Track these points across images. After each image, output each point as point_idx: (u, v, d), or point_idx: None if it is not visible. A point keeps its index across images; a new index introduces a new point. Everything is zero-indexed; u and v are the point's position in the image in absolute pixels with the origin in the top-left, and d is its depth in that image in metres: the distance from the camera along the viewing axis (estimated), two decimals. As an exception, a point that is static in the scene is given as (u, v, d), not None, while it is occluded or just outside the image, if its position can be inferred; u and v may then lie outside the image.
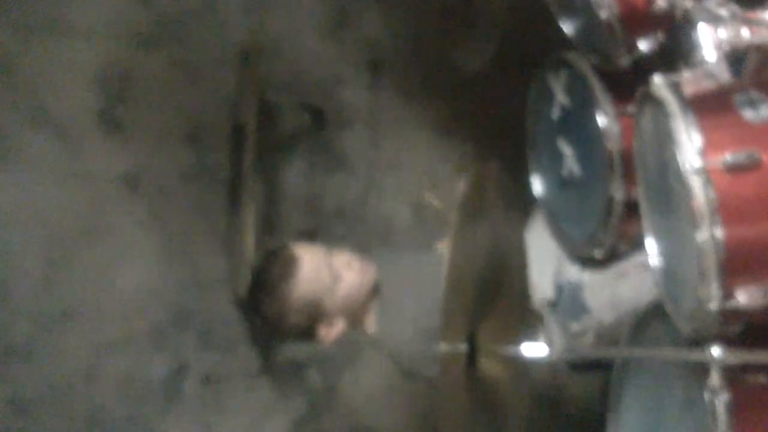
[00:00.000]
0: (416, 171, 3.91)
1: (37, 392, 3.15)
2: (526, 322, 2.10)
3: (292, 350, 3.59)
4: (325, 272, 2.68)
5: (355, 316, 2.75)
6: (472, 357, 1.80)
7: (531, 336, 2.13)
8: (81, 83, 3.23)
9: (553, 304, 2.74)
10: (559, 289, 2.76)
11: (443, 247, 1.72)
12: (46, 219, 3.17)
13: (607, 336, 2.71)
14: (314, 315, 2.68)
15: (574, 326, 2.71)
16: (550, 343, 1.68)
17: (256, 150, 3.14)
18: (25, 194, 3.14)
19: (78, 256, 3.21)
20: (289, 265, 2.70)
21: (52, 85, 3.19)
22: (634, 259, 2.65)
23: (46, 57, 3.18)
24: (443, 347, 1.67)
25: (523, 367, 1.86)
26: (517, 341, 1.82)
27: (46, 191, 3.18)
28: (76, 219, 3.23)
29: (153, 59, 3.36)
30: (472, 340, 1.81)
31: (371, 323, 2.77)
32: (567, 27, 2.48)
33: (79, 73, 3.23)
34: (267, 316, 2.76)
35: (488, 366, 1.87)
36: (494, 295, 1.97)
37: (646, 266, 2.20)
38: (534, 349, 1.71)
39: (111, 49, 3.28)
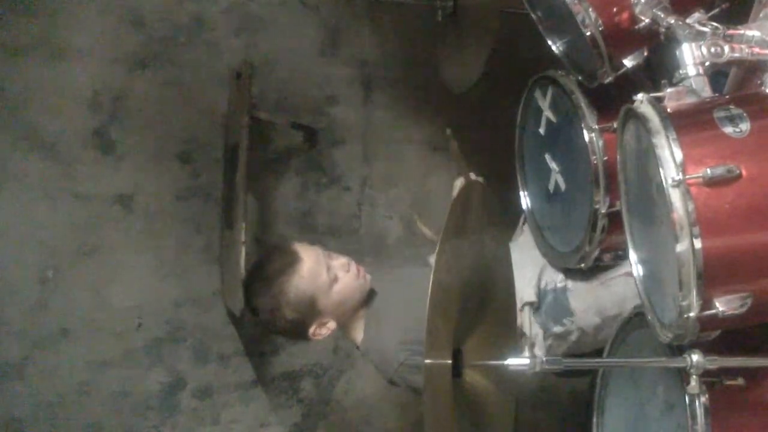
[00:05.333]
0: (408, 186, 3.93)
1: (32, 410, 3.16)
2: (512, 333, 2.12)
3: (286, 362, 3.61)
4: (323, 272, 2.67)
5: (346, 319, 2.75)
6: (457, 368, 1.81)
7: (515, 347, 2.14)
8: (73, 104, 3.25)
9: (536, 308, 2.76)
10: (543, 293, 2.78)
11: (432, 260, 1.73)
12: (40, 239, 3.19)
13: (589, 338, 2.74)
14: (308, 313, 2.66)
15: (557, 329, 2.74)
16: (532, 352, 1.70)
17: (249, 168, 3.13)
18: (18, 214, 3.15)
19: (72, 275, 3.22)
20: (290, 259, 2.67)
21: (45, 106, 3.20)
22: (618, 269, 2.68)
23: (37, 78, 3.19)
24: (428, 359, 1.68)
25: (509, 376, 1.87)
26: (503, 353, 1.83)
27: (40, 211, 3.19)
28: (70, 238, 3.24)
29: (146, 80, 3.38)
30: (457, 353, 1.83)
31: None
32: (554, 45, 2.51)
33: (71, 93, 3.25)
34: (260, 309, 2.71)
35: (474, 377, 1.88)
36: (480, 308, 1.99)
37: (629, 276, 2.22)
38: (518, 362, 1.73)
39: (103, 70, 3.30)
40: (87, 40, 3.30)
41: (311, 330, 2.70)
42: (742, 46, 1.98)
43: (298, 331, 2.72)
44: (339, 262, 2.73)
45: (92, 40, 3.31)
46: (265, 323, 2.77)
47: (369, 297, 2.77)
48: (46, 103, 3.22)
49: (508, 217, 2.95)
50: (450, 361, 1.78)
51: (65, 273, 3.23)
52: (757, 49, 1.96)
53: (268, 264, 2.71)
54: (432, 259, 1.78)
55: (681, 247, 1.71)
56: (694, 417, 1.88)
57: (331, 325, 2.71)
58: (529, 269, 2.81)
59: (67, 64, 3.25)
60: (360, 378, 3.72)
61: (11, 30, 3.16)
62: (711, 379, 1.90)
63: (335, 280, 2.68)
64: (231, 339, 3.50)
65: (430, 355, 1.69)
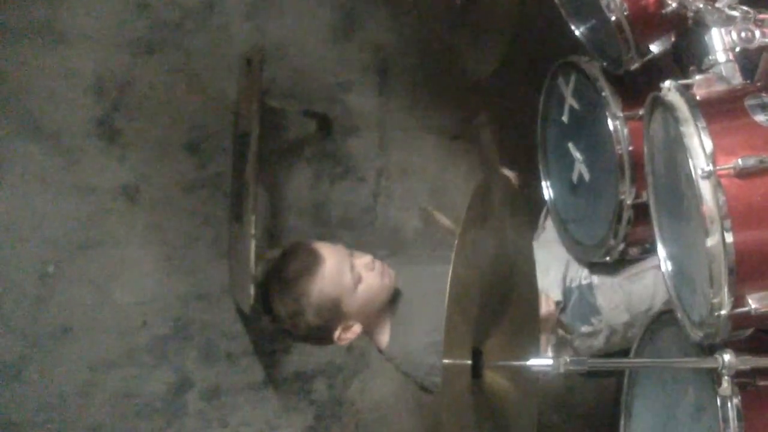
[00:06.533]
0: (425, 177, 3.93)
1: (30, 413, 3.16)
2: (534, 332, 2.11)
3: (297, 361, 3.62)
4: (347, 272, 2.62)
5: (371, 321, 2.71)
6: (477, 369, 1.81)
7: (538, 347, 2.14)
8: (76, 91, 3.24)
9: (561, 308, 2.75)
10: (569, 291, 2.77)
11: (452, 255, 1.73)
12: (41, 232, 3.18)
13: (618, 337, 2.73)
14: (332, 317, 2.62)
15: (584, 328, 2.73)
16: (557, 352, 1.70)
17: (260, 158, 3.12)
18: (17, 206, 3.15)
19: (74, 269, 3.22)
20: (311, 260, 2.62)
21: (46, 93, 3.19)
22: (646, 263, 2.68)
23: (38, 64, 3.19)
24: (447, 360, 1.68)
25: (532, 377, 1.87)
26: (525, 353, 1.84)
27: (41, 203, 3.18)
28: (73, 232, 3.24)
29: (152, 66, 3.37)
30: (477, 353, 1.83)
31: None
32: (577, 30, 2.51)
33: (74, 81, 3.24)
34: (280, 315, 2.67)
35: (495, 377, 1.89)
36: (502, 304, 1.99)
37: (658, 269, 2.22)
38: (541, 362, 1.73)
39: (108, 56, 3.29)
40: (91, 24, 3.29)
41: (336, 334, 2.66)
42: (774, 30, 1.98)
43: (321, 336, 2.69)
44: (363, 260, 2.68)
45: (96, 24, 3.30)
46: (287, 329, 2.73)
47: (394, 296, 2.74)
48: (48, 90, 3.21)
49: (530, 209, 2.94)
50: (469, 362, 1.78)
51: (67, 268, 3.23)
52: (789, 35, 1.96)
53: (287, 265, 2.66)
54: (453, 253, 1.78)
55: (711, 241, 1.72)
56: (726, 420, 1.89)
57: (357, 328, 2.67)
58: (554, 267, 2.80)
59: (69, 49, 3.25)
60: (375, 378, 3.72)
61: (11, 13, 3.15)
62: (744, 380, 1.90)
63: (359, 280, 2.64)
64: (240, 337, 3.50)
65: (448, 355, 1.69)
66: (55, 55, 3.22)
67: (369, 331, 2.75)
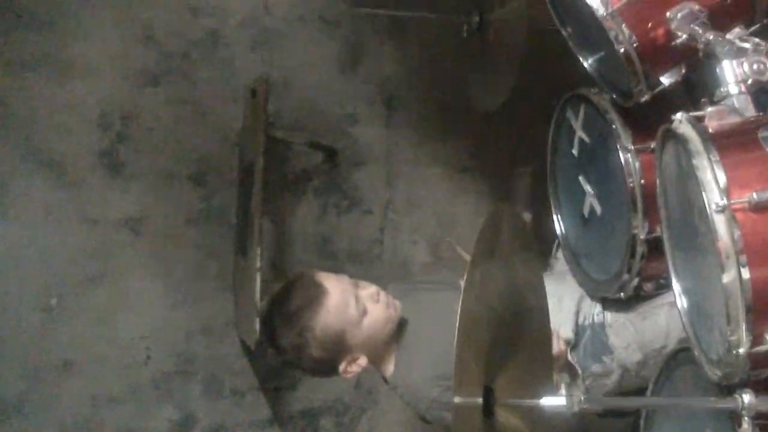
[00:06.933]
0: (433, 210, 3.91)
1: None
2: (547, 369, 2.08)
3: (304, 398, 3.59)
4: (352, 304, 2.58)
5: (377, 353, 2.68)
6: (488, 407, 1.78)
7: (551, 384, 2.11)
8: (81, 123, 3.26)
9: (573, 347, 2.72)
10: (581, 329, 2.74)
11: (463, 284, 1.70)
12: (44, 265, 3.18)
13: (631, 377, 2.69)
14: (337, 349, 2.58)
15: (596, 367, 2.69)
16: (570, 391, 1.67)
17: (265, 190, 3.11)
18: (21, 239, 3.15)
19: (77, 303, 3.22)
20: (314, 293, 2.58)
21: (51, 125, 3.21)
22: (660, 299, 2.65)
23: (44, 95, 3.20)
24: (457, 397, 1.65)
25: (545, 417, 1.84)
26: (537, 391, 1.80)
27: (45, 235, 3.19)
28: (76, 264, 3.24)
29: (157, 98, 3.38)
30: (488, 390, 1.80)
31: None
32: (585, 62, 2.49)
33: (79, 112, 3.25)
34: (284, 348, 2.62)
35: (506, 416, 1.85)
36: (512, 341, 1.96)
37: (672, 306, 2.19)
38: (554, 401, 1.70)
39: (113, 87, 3.31)
40: (96, 56, 3.31)
41: (341, 367, 2.62)
42: (787, 62, 1.96)
43: (326, 369, 2.65)
44: (367, 291, 2.65)
45: (102, 56, 3.32)
46: (291, 362, 2.70)
47: (400, 325, 2.70)
48: (53, 122, 3.23)
49: (541, 243, 2.92)
50: (481, 400, 1.75)
51: (70, 301, 3.23)
52: (802, 66, 1.94)
53: (291, 297, 2.62)
54: (462, 283, 1.75)
55: (727, 277, 1.68)
56: (746, 462, 1.84)
57: (362, 361, 2.64)
58: (567, 301, 2.77)
59: (75, 80, 3.27)
60: (383, 416, 3.68)
61: (18, 45, 3.18)
62: (765, 422, 1.86)
63: (364, 312, 2.60)
64: (245, 373, 3.48)
65: (459, 393, 1.66)
66: (60, 87, 3.24)
67: (375, 362, 2.71)
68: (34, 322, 3.17)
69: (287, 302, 2.63)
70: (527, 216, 2.87)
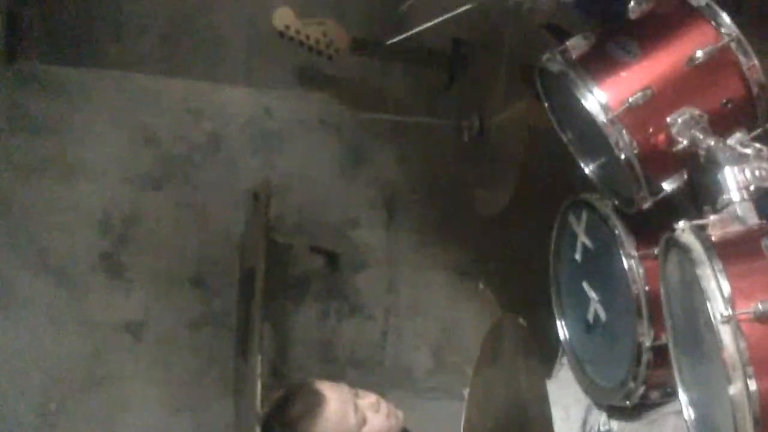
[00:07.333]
0: (435, 315, 3.89)
1: None
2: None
3: None
4: (351, 413, 2.54)
5: None
6: None
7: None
8: (83, 225, 3.28)
9: None
10: None
11: (466, 394, 1.69)
12: (44, 367, 3.17)
13: None
14: None
15: (601, 480, 2.66)
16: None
17: (266, 294, 3.10)
18: (21, 340, 3.15)
19: (76, 408, 3.20)
20: (313, 401, 2.55)
21: (53, 227, 3.23)
22: (666, 407, 2.61)
23: (47, 198, 3.23)
24: None
25: None
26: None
27: (45, 337, 3.19)
28: (76, 367, 3.23)
29: (159, 200, 3.41)
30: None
31: None
32: (587, 168, 2.50)
33: (81, 214, 3.28)
34: None
35: None
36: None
37: (679, 415, 2.16)
38: None
39: (115, 190, 3.33)
40: (99, 159, 3.34)
41: None
42: (789, 168, 1.96)
43: None
44: (367, 401, 2.61)
45: (104, 159, 3.35)
46: None
47: None
48: (55, 224, 3.25)
49: (544, 351, 2.90)
50: None
51: (69, 405, 3.20)
52: (805, 171, 1.94)
53: (289, 406, 2.58)
54: (466, 392, 1.73)
55: (734, 389, 1.66)
56: None
57: None
58: (574, 409, 2.74)
59: (77, 183, 3.30)
60: None
61: (21, 149, 3.21)
62: None
63: (364, 422, 2.55)
64: (245, 479, 3.43)
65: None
66: (63, 189, 3.27)
67: None
68: (32, 426, 3.14)
69: (287, 410, 2.59)
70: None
